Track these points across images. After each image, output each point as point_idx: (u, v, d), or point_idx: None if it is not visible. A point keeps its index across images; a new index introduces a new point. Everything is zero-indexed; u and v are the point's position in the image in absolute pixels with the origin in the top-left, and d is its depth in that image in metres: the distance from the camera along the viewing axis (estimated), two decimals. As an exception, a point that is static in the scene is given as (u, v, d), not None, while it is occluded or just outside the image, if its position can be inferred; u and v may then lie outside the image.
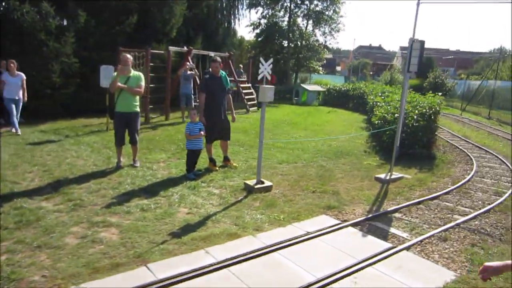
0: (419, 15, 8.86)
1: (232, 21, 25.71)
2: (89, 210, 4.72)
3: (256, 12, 28.55)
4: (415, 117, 9.03)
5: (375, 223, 4.80)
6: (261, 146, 5.81)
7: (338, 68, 70.98)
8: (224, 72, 6.99)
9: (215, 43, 20.51)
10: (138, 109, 6.47)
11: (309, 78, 32.55)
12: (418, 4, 8.15)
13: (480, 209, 5.55)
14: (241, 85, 16.52)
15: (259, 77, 5.65)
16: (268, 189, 5.82)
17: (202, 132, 6.29)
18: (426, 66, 31.68)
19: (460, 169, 8.22)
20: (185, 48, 13.43)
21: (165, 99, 12.65)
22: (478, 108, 21.76)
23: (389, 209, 5.27)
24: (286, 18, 28.32)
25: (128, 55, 6.33)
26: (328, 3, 28.00)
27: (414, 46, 6.71)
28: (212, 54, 15.38)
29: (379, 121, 10.56)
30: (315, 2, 28.21)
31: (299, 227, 4.44)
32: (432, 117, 9.25)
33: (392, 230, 4.62)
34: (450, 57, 44.62)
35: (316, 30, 29.86)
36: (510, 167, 8.43)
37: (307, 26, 29.44)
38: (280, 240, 3.99)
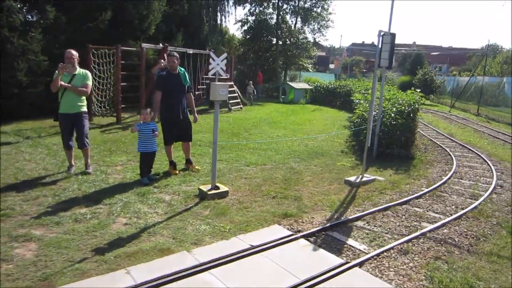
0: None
1: (219, 18, 25.24)
2: (15, 222, 4.24)
3: (243, 9, 28.05)
4: (392, 115, 8.60)
5: (333, 233, 4.35)
6: (215, 148, 5.35)
7: (332, 66, 70.71)
8: (182, 69, 6.51)
9: (199, 40, 20.01)
10: (84, 109, 5.97)
11: (298, 76, 32.08)
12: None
13: (451, 214, 5.11)
14: (223, 83, 15.98)
15: (210, 73, 5.18)
16: (223, 195, 5.36)
17: (156, 133, 5.82)
18: (416, 62, 31.34)
19: (439, 170, 7.79)
20: (161, 45, 12.90)
21: (140, 98, 12.14)
22: (467, 105, 21.37)
23: (351, 217, 4.83)
24: (275, 16, 27.86)
25: (73, 51, 5.83)
26: (316, 0, 27.55)
27: (384, 40, 6.28)
28: (190, 51, 14.89)
29: (358, 120, 10.15)
30: (304, -1, 27.83)
31: (244, 240, 3.99)
32: (411, 115, 8.81)
33: (350, 241, 4.17)
34: (436, 53, 44.29)
35: (305, 28, 29.43)
36: (492, 166, 8.02)
37: (296, 23, 28.98)
38: (216, 257, 3.53)
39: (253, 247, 3.81)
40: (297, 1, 27.59)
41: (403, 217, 4.97)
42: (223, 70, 5.21)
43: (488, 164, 8.27)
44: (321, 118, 15.51)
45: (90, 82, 5.96)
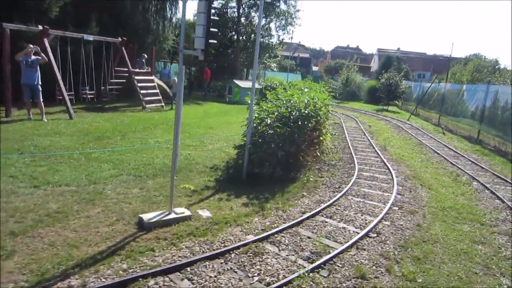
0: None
1: (167, 7, 22.96)
2: None
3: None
4: (269, 121, 6.47)
5: None
6: None
7: (315, 68, 69.16)
8: None
9: (134, 30, 17.72)
10: None
11: (262, 75, 30.00)
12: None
13: (230, 300, 2.96)
14: (137, 77, 13.76)
15: None
16: None
17: None
18: (387, 65, 29.37)
19: (316, 200, 5.64)
20: (40, 27, 10.65)
21: (5, 90, 9.87)
22: (430, 113, 19.33)
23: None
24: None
25: None
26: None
27: (198, 7, 4.13)
28: (90, 38, 12.64)
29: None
30: (266, -8, 25.77)
31: None
32: (300, 123, 6.66)
33: None
34: (402, 56, 42.93)
35: (271, 25, 27.36)
36: (392, 196, 5.91)
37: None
38: None
39: None
40: (256, -7, 25.53)
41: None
42: None
43: (391, 192, 6.15)
44: (248, 122, 13.34)
45: None
